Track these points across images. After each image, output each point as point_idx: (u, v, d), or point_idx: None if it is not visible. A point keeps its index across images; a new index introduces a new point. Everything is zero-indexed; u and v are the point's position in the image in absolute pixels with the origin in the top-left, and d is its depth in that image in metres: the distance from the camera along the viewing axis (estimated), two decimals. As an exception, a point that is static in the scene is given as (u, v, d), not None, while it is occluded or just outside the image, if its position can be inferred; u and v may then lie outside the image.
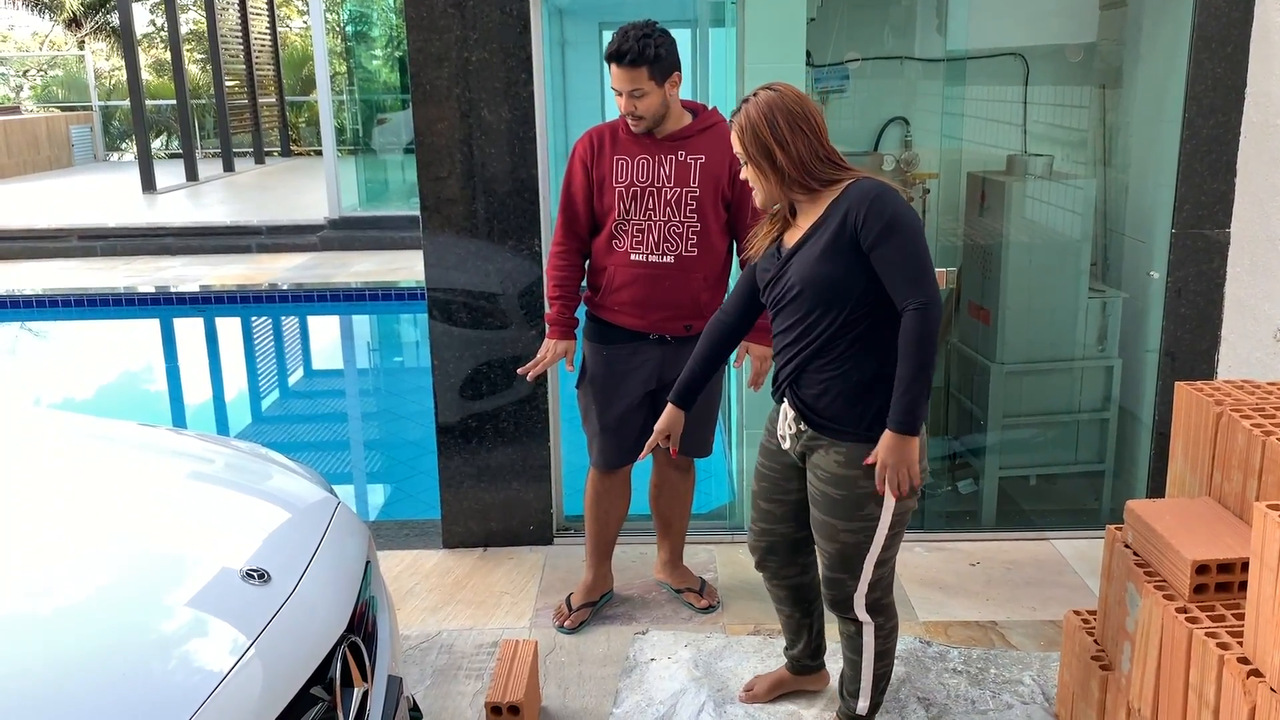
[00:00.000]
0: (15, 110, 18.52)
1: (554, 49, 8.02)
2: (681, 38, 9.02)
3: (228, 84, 15.72)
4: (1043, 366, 3.93)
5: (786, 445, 2.50)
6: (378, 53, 13.53)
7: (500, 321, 3.66)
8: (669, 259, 3.01)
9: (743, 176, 2.42)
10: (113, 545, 1.94)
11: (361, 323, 9.33)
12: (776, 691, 2.87)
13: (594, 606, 3.34)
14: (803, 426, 2.42)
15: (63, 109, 19.54)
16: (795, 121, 2.27)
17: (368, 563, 2.31)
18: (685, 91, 3.06)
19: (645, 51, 2.84)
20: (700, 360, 2.63)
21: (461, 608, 3.43)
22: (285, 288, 9.35)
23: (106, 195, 13.74)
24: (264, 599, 1.86)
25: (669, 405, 2.66)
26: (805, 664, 2.86)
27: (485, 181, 3.57)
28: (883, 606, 2.53)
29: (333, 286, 9.29)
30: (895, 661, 3.01)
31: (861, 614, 2.51)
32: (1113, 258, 3.95)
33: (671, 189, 2.97)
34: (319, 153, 12.48)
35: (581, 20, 8.50)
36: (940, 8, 3.94)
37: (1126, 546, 2.40)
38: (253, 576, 1.90)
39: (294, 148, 19.18)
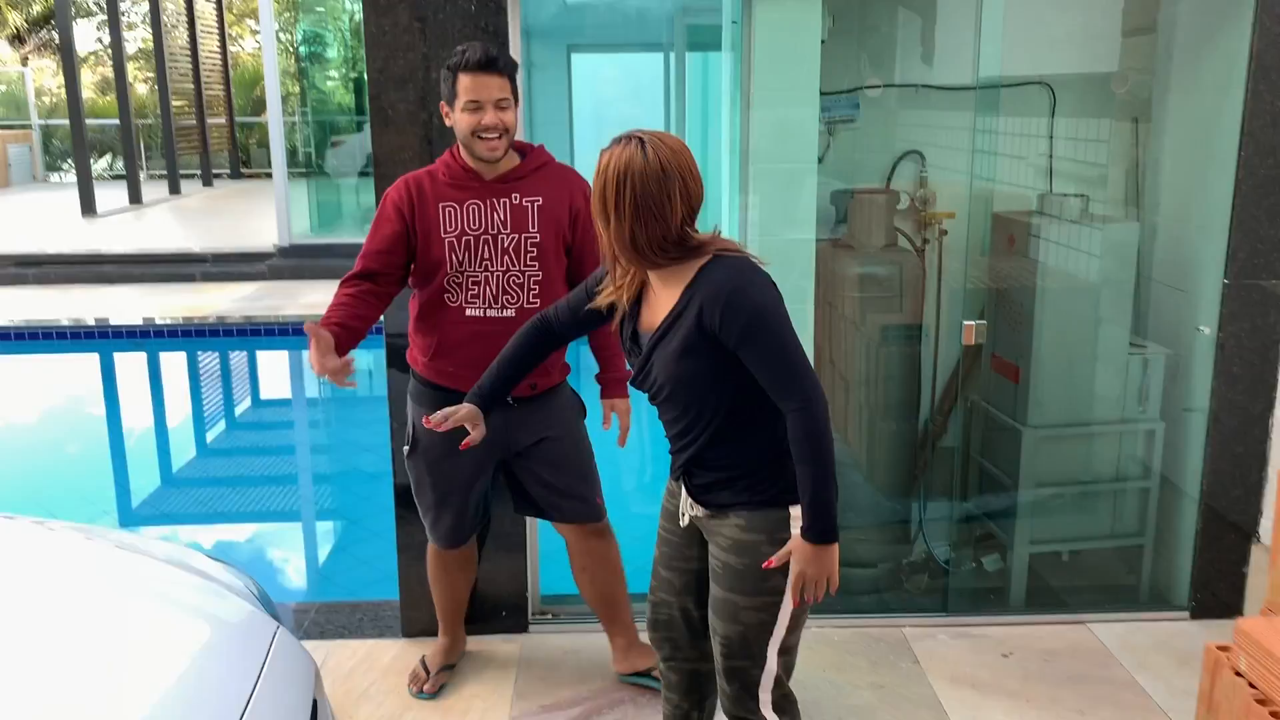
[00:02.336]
0: (-51, 129, 17.75)
1: (524, 71, 7.61)
2: (653, 62, 8.63)
3: (175, 104, 15.10)
4: (1077, 430, 3.54)
5: (685, 523, 2.25)
6: (333, 73, 13.04)
7: (470, 379, 3.19)
8: (509, 312, 2.68)
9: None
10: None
11: (313, 358, 8.77)
12: None
13: (453, 669, 3.14)
14: (703, 511, 2.19)
15: (0, 128, 18.77)
16: (647, 203, 1.95)
17: (314, 703, 1.84)
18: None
19: (509, 59, 2.62)
20: (510, 362, 2.34)
21: (425, 714, 2.95)
22: (232, 321, 8.79)
23: (43, 218, 13.06)
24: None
25: (466, 403, 2.33)
26: None
27: (454, 220, 3.11)
28: (789, 705, 2.23)
29: (283, 320, 8.74)
30: (939, 789, 2.59)
31: (769, 713, 2.19)
32: (1152, 310, 3.58)
33: (509, 235, 2.66)
34: (270, 175, 11.95)
35: (549, 43, 8.08)
36: (971, 28, 3.56)
37: (1238, 674, 1.99)
38: (155, 763, 1.42)
39: (244, 170, 18.54)
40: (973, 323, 3.23)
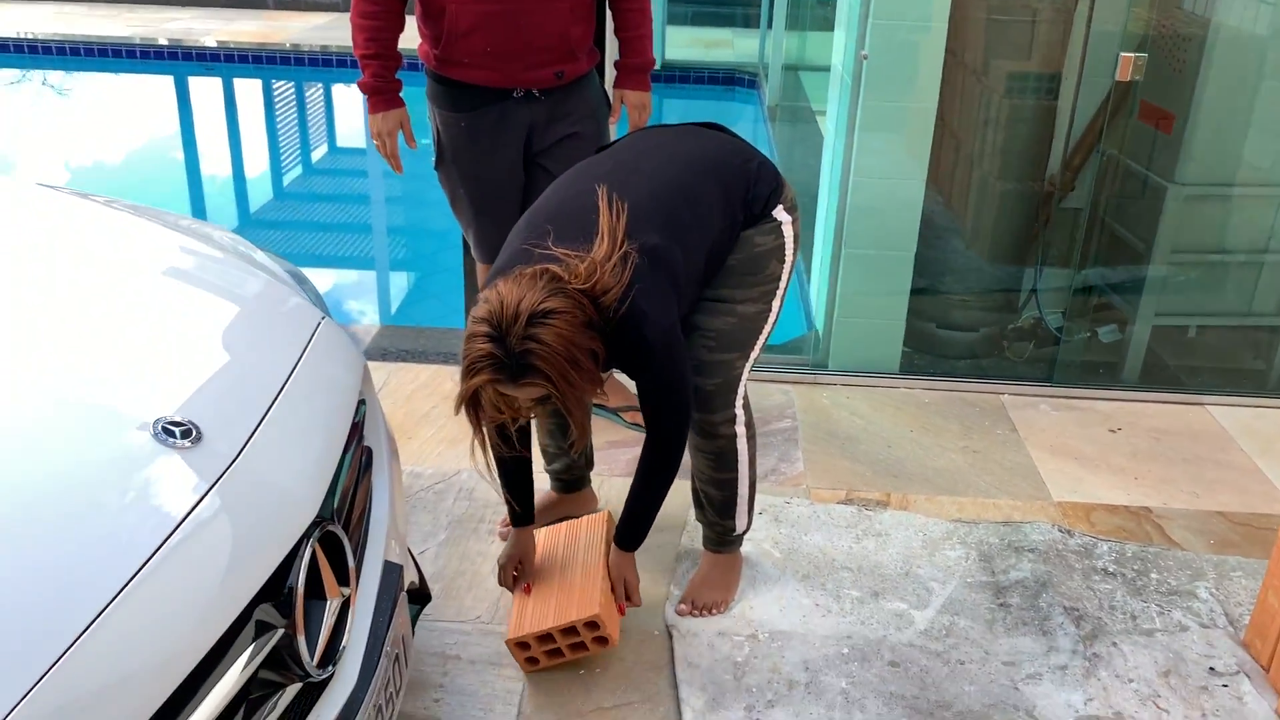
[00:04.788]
0: None
1: None
2: None
3: None
4: (1232, 191, 3.12)
5: None
6: None
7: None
8: None
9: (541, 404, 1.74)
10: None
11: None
12: (544, 520, 2.36)
13: None
14: None
15: None
16: (589, 341, 1.66)
17: (361, 402, 1.65)
18: None
19: None
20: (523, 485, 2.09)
21: (486, 441, 2.81)
22: (306, 49, 8.43)
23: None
24: (187, 470, 1.20)
25: (517, 531, 2.10)
26: (579, 473, 2.42)
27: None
28: (748, 401, 2.13)
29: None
30: (1035, 558, 2.40)
31: (739, 409, 2.09)
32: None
33: None
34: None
35: None
36: None
37: None
38: (172, 433, 1.23)
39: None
40: (1131, 55, 2.79)
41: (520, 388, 1.65)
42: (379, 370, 3.12)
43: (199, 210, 5.92)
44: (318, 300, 1.87)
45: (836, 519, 2.52)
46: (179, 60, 8.40)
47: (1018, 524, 2.52)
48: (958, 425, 2.97)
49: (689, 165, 1.90)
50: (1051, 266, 3.38)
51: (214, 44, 8.48)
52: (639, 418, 2.84)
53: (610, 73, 2.72)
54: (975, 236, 3.68)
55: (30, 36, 8.46)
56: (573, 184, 1.89)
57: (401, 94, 2.51)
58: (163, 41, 8.49)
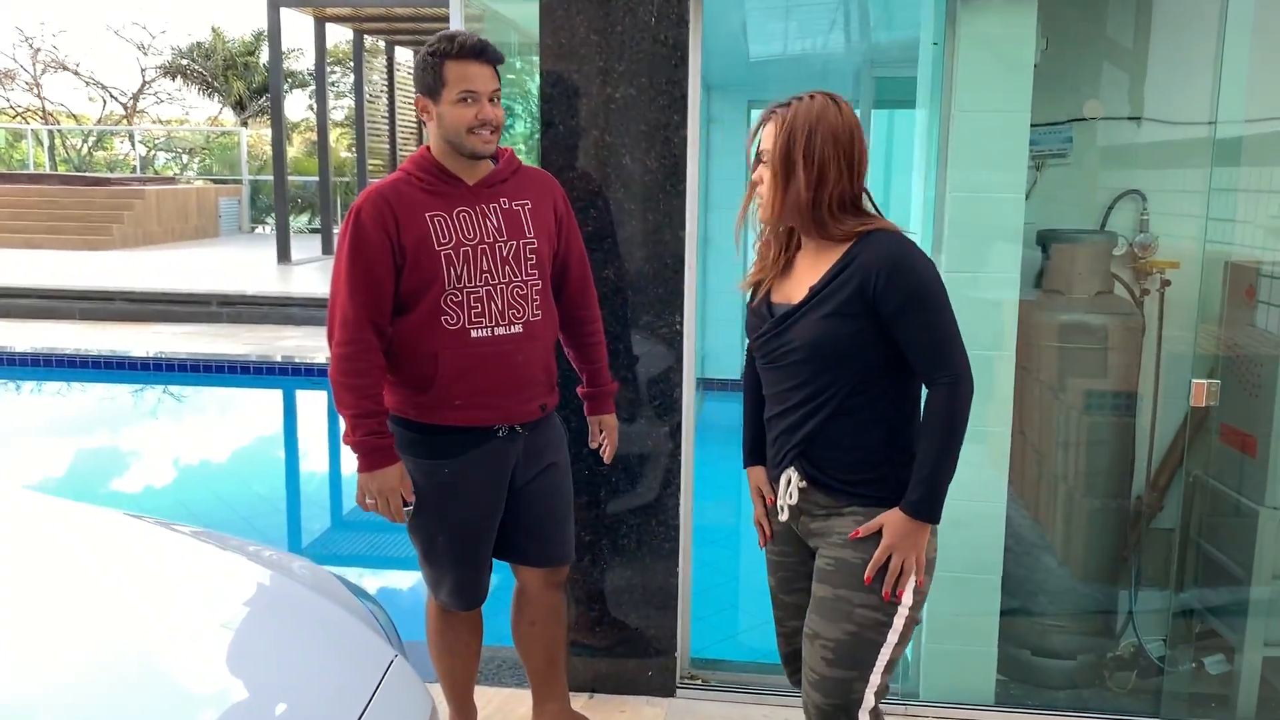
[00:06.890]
0: (171, 181, 19.19)
1: (701, 125, 7.52)
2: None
3: (371, 164, 15.91)
4: (1329, 515, 3.02)
5: (785, 517, 2.09)
6: (521, 145, 13.43)
7: (628, 414, 2.98)
8: (517, 328, 2.39)
9: (755, 177, 2.01)
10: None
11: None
12: None
13: None
14: (808, 496, 2.03)
15: (215, 182, 20.18)
16: (838, 156, 1.93)
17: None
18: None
19: (499, 50, 2.34)
20: (753, 413, 2.20)
21: (557, 775, 2.69)
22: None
23: (243, 264, 13.84)
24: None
25: (751, 468, 2.22)
26: None
27: (623, 243, 2.94)
28: None
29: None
30: None
31: None
32: None
33: (506, 243, 2.37)
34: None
35: (730, 98, 7.99)
36: (1210, 60, 3.17)
37: None
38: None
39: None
40: (1204, 381, 2.81)
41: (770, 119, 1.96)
42: (452, 693, 3.06)
43: (294, 515, 6.14)
44: (392, 634, 1.89)
45: None
46: (288, 375, 8.99)
47: None
48: (1061, 766, 2.76)
49: None
50: (1147, 588, 3.25)
51: (323, 360, 9.08)
52: None
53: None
54: (1067, 554, 3.58)
55: (159, 355, 9.18)
56: None
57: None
58: (276, 358, 9.12)
